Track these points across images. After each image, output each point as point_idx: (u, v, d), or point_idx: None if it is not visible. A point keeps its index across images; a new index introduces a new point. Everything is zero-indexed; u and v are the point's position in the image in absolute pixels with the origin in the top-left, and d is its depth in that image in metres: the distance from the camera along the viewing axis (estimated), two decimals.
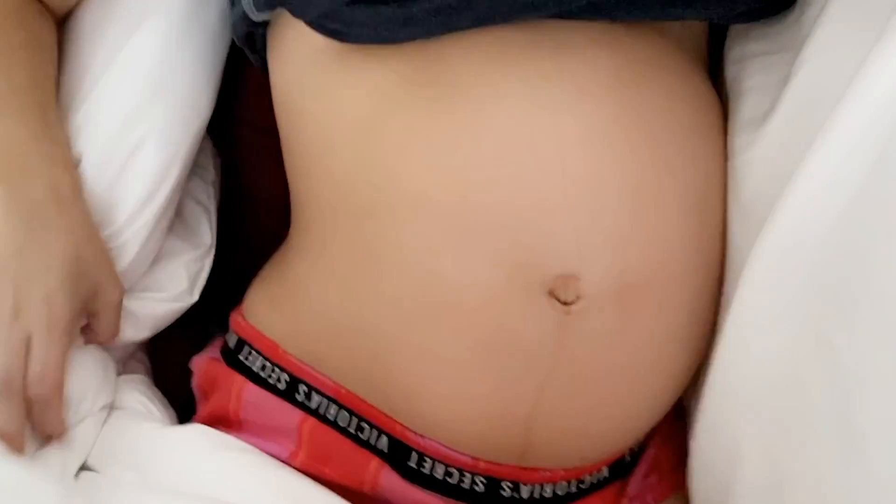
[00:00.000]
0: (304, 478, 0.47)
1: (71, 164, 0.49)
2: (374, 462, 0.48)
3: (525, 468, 0.47)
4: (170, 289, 0.54)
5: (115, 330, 0.50)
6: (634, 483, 0.52)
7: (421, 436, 0.47)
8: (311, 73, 0.48)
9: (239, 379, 0.51)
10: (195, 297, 0.56)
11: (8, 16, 0.50)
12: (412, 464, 0.48)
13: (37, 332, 0.43)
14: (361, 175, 0.45)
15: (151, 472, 0.46)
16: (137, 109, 0.51)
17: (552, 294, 0.42)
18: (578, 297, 0.42)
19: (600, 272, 0.42)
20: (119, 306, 0.49)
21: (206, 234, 0.59)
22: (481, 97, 0.42)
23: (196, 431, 0.49)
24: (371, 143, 0.45)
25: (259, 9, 0.48)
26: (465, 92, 0.43)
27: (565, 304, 0.42)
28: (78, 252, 0.46)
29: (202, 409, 0.54)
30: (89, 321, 0.49)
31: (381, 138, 0.44)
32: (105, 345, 0.51)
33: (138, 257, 0.52)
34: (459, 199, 0.42)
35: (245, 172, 0.64)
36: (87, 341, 0.50)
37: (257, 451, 0.49)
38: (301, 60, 0.48)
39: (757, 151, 0.44)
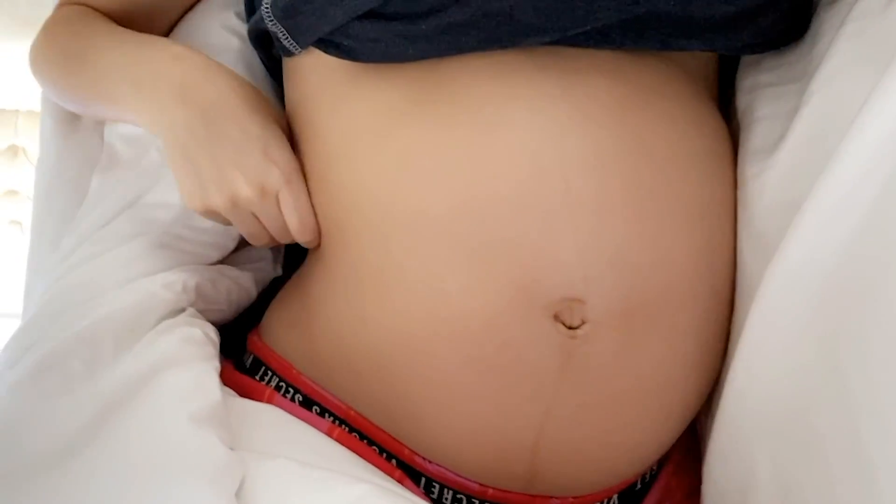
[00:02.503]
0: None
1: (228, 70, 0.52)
2: (397, 473, 0.48)
3: (534, 496, 0.47)
4: (258, 262, 0.58)
5: (308, 201, 0.50)
6: None
7: (429, 461, 0.47)
8: (322, 91, 0.49)
9: (268, 390, 0.51)
10: (279, 272, 0.59)
11: (97, 26, 0.57)
12: (421, 488, 0.48)
13: (279, 189, 0.47)
14: (367, 193, 0.46)
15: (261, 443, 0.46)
16: None
17: (557, 318, 0.42)
18: (583, 322, 0.42)
19: (605, 296, 0.42)
20: (301, 173, 0.50)
21: None
22: (487, 118, 0.43)
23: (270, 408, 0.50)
24: (377, 161, 0.45)
25: (303, 45, 0.49)
26: (471, 112, 0.43)
27: (570, 328, 0.42)
28: (267, 129, 0.49)
29: None
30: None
31: (387, 156, 0.45)
32: (307, 229, 0.50)
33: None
34: (463, 218, 0.42)
35: None
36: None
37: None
38: (313, 78, 0.50)
39: (767, 179, 0.44)
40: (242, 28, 0.59)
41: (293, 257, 0.58)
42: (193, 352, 0.45)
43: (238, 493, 0.39)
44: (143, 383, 0.41)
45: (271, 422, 0.47)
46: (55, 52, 0.57)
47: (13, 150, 1.65)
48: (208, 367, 0.45)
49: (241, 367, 0.55)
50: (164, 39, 0.54)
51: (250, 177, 0.47)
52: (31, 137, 1.60)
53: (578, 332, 0.42)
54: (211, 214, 0.49)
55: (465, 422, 0.44)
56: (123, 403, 0.40)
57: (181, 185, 0.49)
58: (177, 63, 0.50)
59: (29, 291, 0.65)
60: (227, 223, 0.50)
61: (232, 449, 0.42)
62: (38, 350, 0.43)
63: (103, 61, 0.53)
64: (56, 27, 0.58)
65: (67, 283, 0.50)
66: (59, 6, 0.61)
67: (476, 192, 0.42)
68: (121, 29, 0.56)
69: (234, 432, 0.44)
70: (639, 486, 0.52)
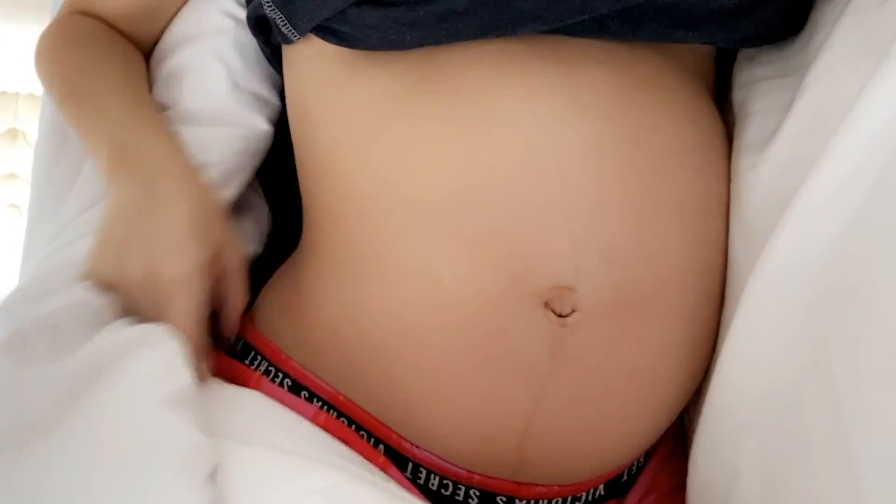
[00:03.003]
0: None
1: (174, 135, 0.52)
2: (381, 459, 0.48)
3: (520, 483, 0.47)
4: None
5: (244, 294, 0.50)
6: (631, 502, 0.52)
7: (417, 446, 0.47)
8: (320, 79, 0.49)
9: (256, 375, 0.52)
10: (260, 248, 0.58)
11: (98, 38, 0.57)
12: (408, 474, 0.48)
13: (172, 284, 0.45)
14: (363, 180, 0.46)
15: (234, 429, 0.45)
16: (224, 102, 0.56)
17: (548, 306, 0.42)
18: (574, 310, 0.42)
19: (596, 285, 0.42)
20: (241, 271, 0.49)
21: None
22: (483, 107, 0.43)
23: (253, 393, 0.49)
24: (373, 149, 0.45)
25: (302, 32, 0.48)
26: (468, 101, 0.43)
27: (561, 316, 0.42)
28: (199, 212, 0.47)
29: None
30: (216, 289, 0.49)
31: (384, 144, 0.45)
32: (232, 318, 0.50)
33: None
34: (458, 206, 0.42)
35: (261, 177, 0.66)
36: (219, 308, 0.50)
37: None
38: (311, 65, 0.50)
39: (760, 173, 0.44)
40: (240, 12, 0.59)
41: (285, 242, 0.58)
42: (163, 333, 0.44)
43: (211, 478, 0.39)
44: (111, 365, 0.40)
45: (253, 408, 0.47)
46: (55, 74, 0.57)
47: (13, 134, 1.64)
48: (178, 348, 0.44)
49: (232, 352, 0.55)
50: (161, 120, 0.53)
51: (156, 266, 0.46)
52: (30, 121, 1.60)
53: (569, 319, 0.42)
54: (107, 285, 0.46)
55: (454, 408, 0.45)
56: (91, 385, 0.39)
57: (100, 246, 0.47)
58: (160, 165, 0.49)
59: (24, 273, 0.65)
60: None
61: (207, 433, 0.41)
62: (4, 331, 0.43)
63: (96, 115, 0.52)
64: (61, 44, 0.57)
65: (44, 267, 0.50)
66: (66, 13, 0.60)
67: (471, 182, 0.42)
68: (122, 79, 0.55)
69: (214, 417, 0.44)
70: (625, 477, 0.52)
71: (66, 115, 0.55)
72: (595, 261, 0.42)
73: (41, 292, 0.46)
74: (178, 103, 0.56)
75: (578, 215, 0.42)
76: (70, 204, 0.55)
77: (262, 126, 0.56)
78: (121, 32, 0.60)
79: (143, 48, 0.61)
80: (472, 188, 0.42)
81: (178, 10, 0.60)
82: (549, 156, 0.42)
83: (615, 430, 0.46)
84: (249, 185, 0.59)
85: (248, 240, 0.58)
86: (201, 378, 0.46)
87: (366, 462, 0.46)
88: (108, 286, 0.46)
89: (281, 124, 0.59)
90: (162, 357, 0.43)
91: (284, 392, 0.50)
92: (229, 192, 0.55)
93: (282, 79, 0.56)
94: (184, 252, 0.45)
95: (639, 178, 0.43)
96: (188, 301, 0.45)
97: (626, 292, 0.43)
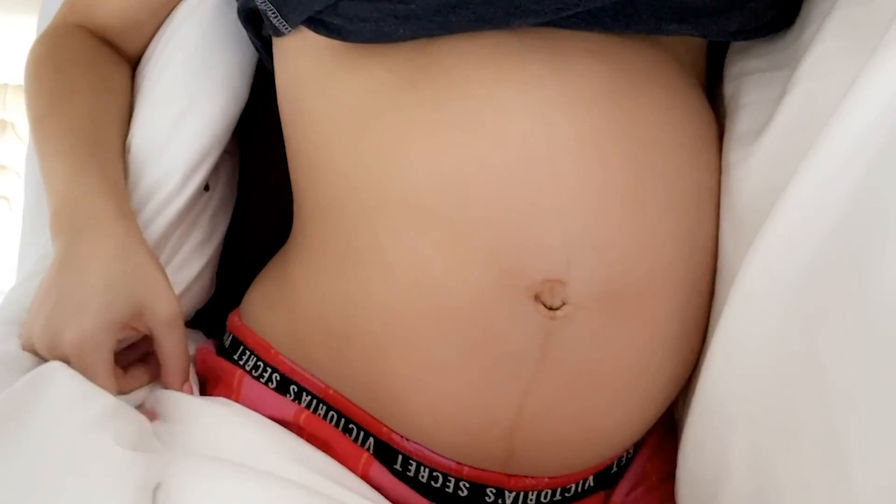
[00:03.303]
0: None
1: (113, 190, 0.50)
2: (365, 455, 0.48)
3: (510, 475, 0.47)
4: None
5: (179, 350, 0.48)
6: (620, 494, 0.52)
7: (406, 439, 0.47)
8: (311, 72, 0.49)
9: (239, 372, 0.52)
10: (211, 292, 0.58)
11: (79, 61, 0.56)
12: (397, 466, 0.48)
13: (71, 347, 0.44)
14: (355, 173, 0.45)
15: (193, 440, 0.45)
16: (178, 89, 0.55)
17: (538, 299, 0.42)
18: (564, 303, 0.42)
19: (587, 278, 0.42)
20: (173, 326, 0.48)
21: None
22: (476, 99, 0.43)
23: (221, 403, 0.49)
24: (365, 142, 0.45)
25: (293, 24, 0.48)
26: (460, 94, 0.43)
27: (551, 309, 0.42)
28: (114, 269, 0.46)
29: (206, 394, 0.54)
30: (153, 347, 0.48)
31: (375, 137, 0.45)
32: (173, 375, 0.49)
33: (176, 227, 0.54)
34: (448, 199, 0.42)
35: (248, 173, 0.65)
36: (157, 379, 0.49)
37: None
38: (303, 59, 0.49)
39: (750, 165, 0.44)
40: None
41: (270, 240, 0.58)
42: (63, 368, 0.44)
43: (158, 492, 0.39)
44: (28, 397, 0.40)
45: (218, 420, 0.46)
46: (31, 96, 0.56)
47: (2, 125, 1.63)
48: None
49: (220, 348, 0.55)
50: (108, 164, 0.52)
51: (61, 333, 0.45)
52: (19, 112, 1.59)
53: (559, 312, 0.42)
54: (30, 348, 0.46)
55: (444, 401, 0.45)
56: (8, 421, 0.39)
57: (40, 307, 0.46)
58: (85, 222, 0.48)
59: (20, 270, 0.65)
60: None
61: (145, 446, 0.41)
62: None
63: (49, 162, 0.52)
64: (43, 60, 0.57)
65: (15, 296, 0.50)
66: (60, 23, 0.60)
67: (463, 174, 0.42)
68: (85, 114, 0.54)
69: (168, 431, 0.44)
70: (615, 469, 0.52)
71: (35, 146, 0.54)
72: (586, 254, 0.42)
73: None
74: (137, 106, 0.56)
75: (570, 208, 0.42)
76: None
77: (213, 112, 0.55)
78: (112, 41, 0.60)
79: (134, 56, 0.61)
80: (464, 181, 0.42)
81: (167, 9, 0.60)
82: (541, 149, 0.42)
83: (604, 423, 0.46)
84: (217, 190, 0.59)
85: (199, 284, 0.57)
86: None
87: (341, 469, 0.46)
88: (30, 349, 0.46)
89: (263, 114, 0.58)
90: (78, 380, 0.43)
91: (267, 390, 0.50)
92: (195, 180, 0.54)
93: (269, 69, 0.55)
94: (83, 314, 0.44)
95: (631, 171, 0.43)
96: (91, 363, 0.44)
97: (616, 285, 0.43)
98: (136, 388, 0.48)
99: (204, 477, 0.40)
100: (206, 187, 0.58)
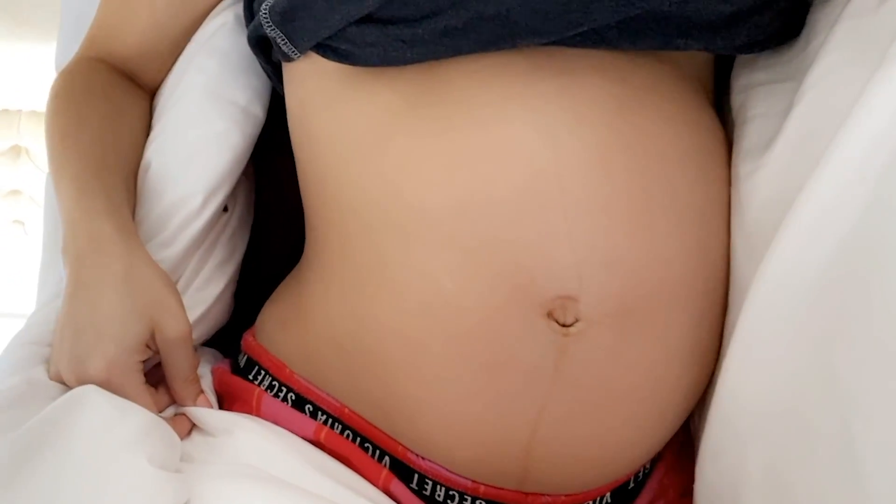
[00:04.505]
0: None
1: (115, 211, 0.50)
2: (384, 472, 0.48)
3: (526, 493, 0.47)
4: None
5: (187, 368, 0.49)
6: None
7: (422, 458, 0.47)
8: (320, 95, 0.49)
9: (257, 391, 0.52)
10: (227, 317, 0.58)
11: (95, 92, 0.57)
12: (413, 485, 0.48)
13: (99, 379, 0.45)
14: (366, 193, 0.46)
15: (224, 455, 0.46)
16: (198, 113, 0.56)
17: (551, 316, 0.42)
18: (577, 320, 0.42)
19: (599, 294, 0.42)
20: (181, 344, 0.48)
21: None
22: (483, 118, 0.43)
23: (250, 418, 0.49)
24: (376, 162, 0.46)
25: (302, 50, 0.49)
26: (468, 114, 0.44)
27: (564, 325, 0.42)
28: (122, 302, 0.46)
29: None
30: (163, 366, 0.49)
31: (386, 157, 0.45)
32: (183, 394, 0.49)
33: (197, 247, 0.54)
34: (458, 219, 0.42)
35: (261, 194, 0.66)
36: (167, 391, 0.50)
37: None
38: (312, 82, 0.50)
39: (760, 178, 0.44)
40: (228, 18, 0.59)
41: (283, 259, 0.58)
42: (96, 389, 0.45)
43: None
44: (63, 418, 0.41)
45: (245, 435, 0.47)
46: (49, 129, 0.57)
47: (16, 151, 1.65)
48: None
49: (235, 368, 0.55)
50: (116, 193, 0.52)
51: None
52: (33, 137, 1.61)
53: (572, 329, 0.42)
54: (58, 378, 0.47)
55: (459, 419, 0.44)
56: (45, 442, 0.39)
57: (61, 343, 0.47)
58: (94, 252, 0.48)
59: (38, 300, 0.65)
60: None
61: (177, 466, 0.42)
62: None
63: (67, 189, 0.52)
64: (62, 94, 0.58)
65: (38, 319, 0.51)
66: (80, 57, 0.61)
67: (473, 193, 0.43)
68: (99, 144, 0.55)
69: (196, 449, 0.45)
70: (632, 484, 0.52)
71: (51, 176, 0.55)
72: (597, 270, 0.42)
73: (13, 363, 0.47)
74: (155, 130, 0.57)
75: (580, 225, 0.42)
76: None
77: (232, 135, 0.56)
78: (131, 74, 0.61)
79: (154, 85, 0.61)
80: (474, 200, 0.42)
81: (185, 41, 0.61)
82: (549, 166, 0.42)
83: (620, 438, 0.46)
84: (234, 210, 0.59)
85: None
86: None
87: (365, 483, 0.47)
88: (59, 382, 0.46)
89: (275, 137, 0.59)
90: (112, 401, 0.43)
91: (287, 408, 0.50)
92: (215, 201, 0.55)
93: (280, 93, 0.56)
94: (104, 342, 0.45)
95: (639, 186, 0.43)
96: (123, 387, 0.45)
97: (628, 300, 0.43)
98: (167, 406, 0.49)
99: (228, 498, 0.40)
100: (226, 208, 0.58)
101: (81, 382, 0.45)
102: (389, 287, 0.45)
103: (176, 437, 0.45)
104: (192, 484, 0.40)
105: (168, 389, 0.49)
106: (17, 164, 1.64)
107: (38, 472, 0.38)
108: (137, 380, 0.46)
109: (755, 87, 0.49)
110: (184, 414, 0.49)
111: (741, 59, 0.53)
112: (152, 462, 0.40)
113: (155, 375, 0.49)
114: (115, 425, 0.41)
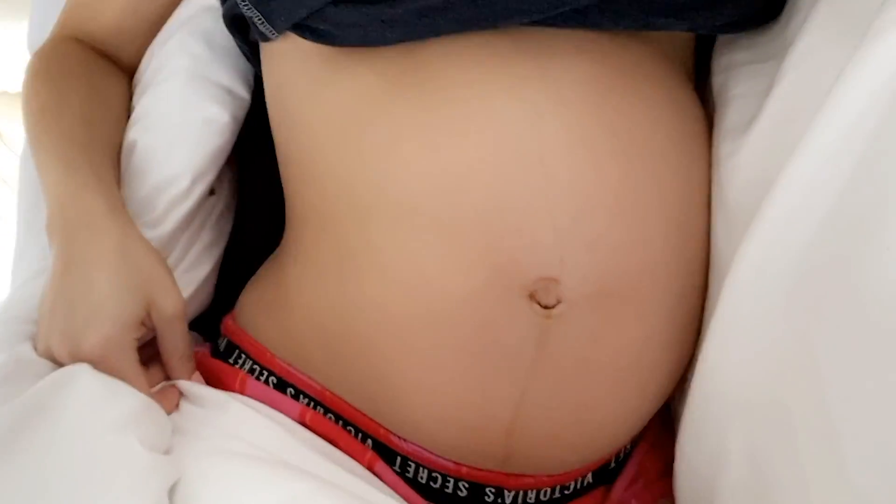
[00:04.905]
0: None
1: (106, 188, 0.50)
2: (369, 453, 0.48)
3: (508, 474, 0.47)
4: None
5: (183, 345, 0.49)
6: (619, 489, 0.52)
7: (404, 440, 0.47)
8: (300, 77, 0.48)
9: (241, 374, 0.51)
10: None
11: (73, 72, 0.56)
12: (396, 468, 0.48)
13: (93, 354, 0.44)
14: (346, 177, 0.45)
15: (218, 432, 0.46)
16: (184, 94, 0.55)
17: (533, 297, 0.42)
18: (559, 301, 0.42)
19: (580, 276, 0.42)
20: (177, 321, 0.48)
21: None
22: (464, 100, 0.43)
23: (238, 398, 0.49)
24: (356, 146, 0.45)
25: (280, 30, 0.48)
26: (449, 97, 0.43)
27: (546, 307, 0.42)
28: (120, 272, 0.46)
29: None
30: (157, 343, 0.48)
31: (366, 141, 0.45)
32: (178, 371, 0.49)
33: (184, 228, 0.54)
34: (440, 200, 0.42)
35: (242, 177, 0.65)
36: (164, 371, 0.49)
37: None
38: (291, 63, 0.49)
39: (741, 159, 0.44)
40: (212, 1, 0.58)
41: (262, 243, 0.57)
42: (88, 368, 0.44)
43: (174, 491, 0.39)
44: (52, 397, 0.40)
45: (235, 412, 0.47)
46: (27, 108, 0.56)
47: None
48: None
49: (216, 352, 0.54)
50: (103, 169, 0.52)
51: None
52: (6, 119, 1.58)
53: (554, 311, 0.42)
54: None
55: (441, 401, 0.45)
56: (34, 420, 0.39)
57: (39, 322, 0.47)
58: (85, 227, 0.48)
59: (13, 281, 0.65)
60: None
61: (167, 448, 0.42)
62: None
63: (44, 168, 0.52)
64: (39, 74, 0.57)
65: (20, 296, 0.50)
66: (56, 38, 0.60)
67: (453, 175, 0.42)
68: (79, 121, 0.54)
69: (186, 426, 0.45)
70: (613, 464, 0.53)
71: (32, 156, 0.54)
72: (579, 252, 0.42)
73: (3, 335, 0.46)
74: (138, 109, 0.56)
75: (561, 206, 0.42)
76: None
77: (220, 118, 0.56)
78: (108, 53, 0.60)
79: (130, 64, 0.61)
80: (454, 181, 0.42)
81: (163, 20, 0.60)
82: (530, 148, 0.42)
83: (601, 418, 0.46)
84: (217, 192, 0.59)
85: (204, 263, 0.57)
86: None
87: (352, 462, 0.47)
88: (49, 358, 0.46)
89: (254, 119, 0.58)
90: (102, 382, 0.43)
91: (270, 390, 0.50)
92: (199, 189, 0.54)
93: (259, 75, 0.55)
94: (100, 319, 0.45)
95: (621, 168, 0.43)
96: (118, 365, 0.45)
97: (610, 281, 0.43)
98: (158, 384, 0.49)
99: (217, 478, 0.40)
100: (212, 192, 0.58)
101: (75, 359, 0.44)
102: (371, 269, 0.44)
103: (166, 419, 0.45)
104: (182, 462, 0.40)
105: (158, 367, 0.49)
106: None
107: (27, 448, 0.37)
108: (132, 357, 0.46)
109: (736, 68, 0.49)
110: (174, 385, 0.48)
111: (722, 38, 0.53)
112: (144, 444, 0.39)
113: (143, 354, 0.49)
114: (107, 406, 0.41)
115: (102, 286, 0.45)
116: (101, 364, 0.44)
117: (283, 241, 0.55)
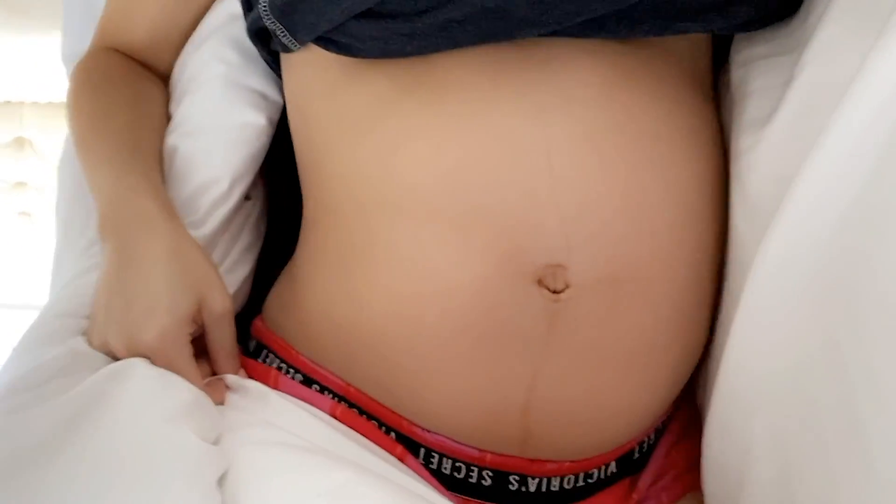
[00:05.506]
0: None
1: (157, 191, 0.52)
2: (399, 448, 0.49)
3: (531, 460, 0.48)
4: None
5: (228, 342, 0.50)
6: (646, 481, 0.52)
7: (427, 431, 0.48)
8: (318, 82, 0.50)
9: (273, 371, 0.52)
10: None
11: (114, 80, 0.59)
12: (420, 460, 0.49)
13: (150, 349, 0.46)
14: (357, 173, 0.47)
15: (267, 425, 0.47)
16: (220, 104, 0.57)
17: (541, 283, 0.43)
18: (567, 286, 0.43)
19: (587, 262, 0.43)
20: (226, 319, 0.49)
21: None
22: (473, 101, 0.44)
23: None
24: (367, 143, 0.47)
25: (302, 42, 0.49)
26: (459, 97, 0.45)
27: (555, 292, 0.43)
28: (174, 269, 0.48)
29: None
30: (206, 341, 0.49)
31: (377, 138, 0.46)
32: (225, 367, 0.50)
33: (224, 231, 0.55)
34: (447, 190, 0.44)
35: (270, 188, 0.66)
36: (211, 366, 0.50)
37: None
38: (310, 70, 0.51)
39: (761, 152, 0.44)
40: (238, 8, 0.60)
41: (287, 245, 0.58)
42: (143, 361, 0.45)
43: (223, 480, 0.40)
44: (110, 388, 0.41)
45: (277, 404, 0.48)
46: (72, 118, 0.58)
47: (19, 143, 1.66)
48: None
49: (246, 352, 0.56)
50: (151, 170, 0.54)
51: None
52: (36, 129, 1.61)
53: (562, 296, 0.43)
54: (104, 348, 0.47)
55: (458, 387, 0.46)
56: (91, 411, 0.40)
57: (91, 317, 0.48)
58: (137, 226, 0.50)
59: (54, 287, 0.66)
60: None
61: (216, 439, 0.43)
62: (23, 366, 0.44)
63: (92, 172, 0.54)
64: (82, 84, 0.59)
65: (63, 294, 0.51)
66: (94, 49, 0.62)
67: (460, 166, 0.44)
68: (125, 126, 0.56)
69: (233, 417, 0.46)
70: (636, 454, 0.53)
71: (80, 162, 0.56)
72: (585, 238, 0.43)
73: (58, 330, 0.47)
74: (177, 115, 0.58)
75: (567, 197, 0.43)
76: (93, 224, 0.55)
77: (256, 121, 0.57)
78: (144, 62, 0.62)
79: (165, 70, 0.62)
80: (461, 172, 0.44)
81: (194, 28, 0.61)
82: (535, 147, 0.43)
83: (615, 402, 0.47)
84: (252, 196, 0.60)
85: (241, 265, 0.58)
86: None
87: (385, 453, 0.47)
88: (105, 352, 0.47)
89: (280, 130, 0.59)
90: (157, 374, 0.44)
91: (301, 386, 0.51)
92: (237, 192, 0.56)
93: (279, 79, 0.56)
94: (158, 313, 0.46)
95: (627, 161, 0.44)
96: (175, 358, 0.46)
97: (617, 269, 0.44)
98: (206, 378, 0.50)
99: (264, 467, 0.41)
100: (248, 197, 0.59)
101: (132, 352, 0.45)
102: (381, 263, 0.46)
103: (216, 410, 0.46)
104: (231, 452, 0.41)
105: (205, 362, 0.50)
106: (22, 156, 1.65)
107: (85, 438, 0.39)
108: (188, 351, 0.47)
109: (755, 61, 0.49)
110: (221, 379, 0.50)
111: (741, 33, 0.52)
112: (197, 434, 0.41)
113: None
114: (162, 397, 0.42)
115: (159, 283, 0.47)
116: (157, 357, 0.45)
117: (299, 241, 0.56)
